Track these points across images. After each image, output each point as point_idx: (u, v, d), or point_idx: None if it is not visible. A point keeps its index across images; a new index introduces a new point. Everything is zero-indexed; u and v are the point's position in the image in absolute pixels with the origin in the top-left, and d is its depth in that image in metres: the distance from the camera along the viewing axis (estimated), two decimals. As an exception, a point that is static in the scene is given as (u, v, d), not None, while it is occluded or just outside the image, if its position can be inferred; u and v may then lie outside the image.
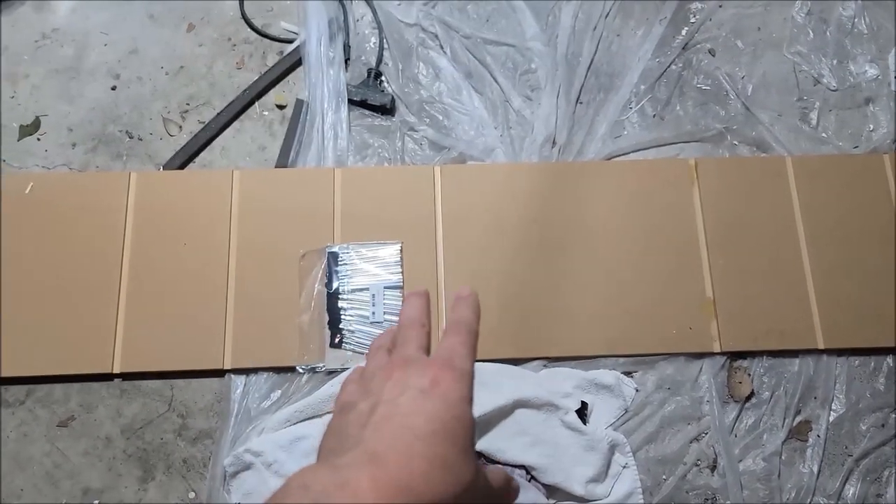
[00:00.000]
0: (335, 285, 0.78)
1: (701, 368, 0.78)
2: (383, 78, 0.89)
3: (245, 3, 0.92)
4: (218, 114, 0.87)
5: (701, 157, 0.86)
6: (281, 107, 0.88)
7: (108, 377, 0.76)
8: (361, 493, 0.26)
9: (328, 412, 0.73)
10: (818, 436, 0.76)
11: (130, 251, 0.79)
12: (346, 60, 0.89)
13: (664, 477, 0.75)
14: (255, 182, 0.82)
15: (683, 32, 0.93)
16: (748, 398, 0.77)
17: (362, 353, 0.76)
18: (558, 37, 0.91)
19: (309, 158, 0.84)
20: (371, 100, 0.86)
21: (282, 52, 0.91)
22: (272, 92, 0.89)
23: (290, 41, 0.91)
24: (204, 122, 0.87)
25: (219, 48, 0.91)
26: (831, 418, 0.77)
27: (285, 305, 0.78)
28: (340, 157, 0.84)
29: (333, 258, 0.79)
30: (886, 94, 0.91)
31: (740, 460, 0.76)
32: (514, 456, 0.70)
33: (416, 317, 0.37)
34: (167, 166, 0.84)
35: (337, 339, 0.77)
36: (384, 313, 0.78)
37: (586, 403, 0.74)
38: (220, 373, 0.76)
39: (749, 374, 0.78)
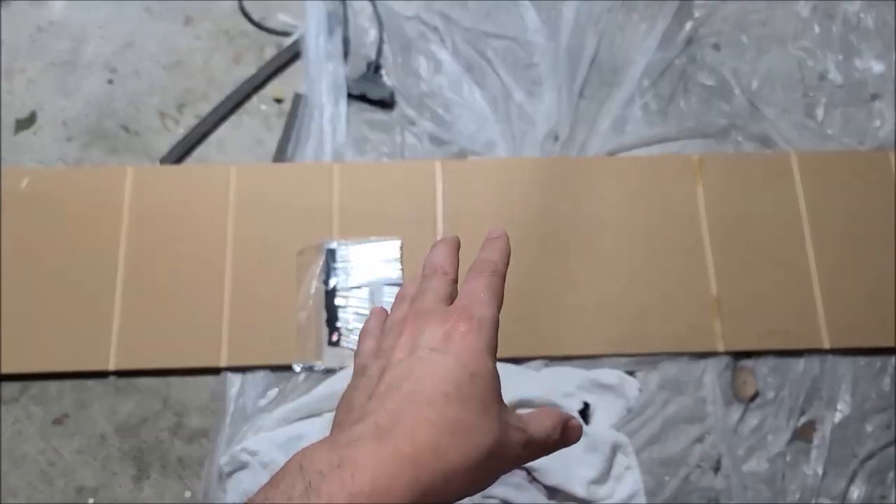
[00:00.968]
0: (333, 282, 0.77)
1: (704, 368, 0.77)
2: (383, 71, 0.88)
3: (243, -5, 0.91)
4: (215, 108, 0.86)
5: (705, 153, 0.85)
6: (279, 101, 0.87)
7: (103, 374, 0.75)
8: (359, 473, 0.24)
9: (326, 411, 0.72)
10: (823, 437, 0.75)
11: (126, 247, 0.78)
12: (345, 54, 0.88)
13: (667, 478, 0.74)
14: (253, 177, 0.81)
15: (687, 27, 0.92)
16: (752, 398, 0.76)
17: (361, 351, 0.75)
18: (560, 30, 0.90)
19: (307, 153, 0.83)
20: (370, 94, 0.85)
21: (280, 46, 0.89)
22: (270, 86, 0.88)
23: (289, 34, 0.89)
24: (201, 117, 0.86)
25: (216, 42, 0.90)
26: (836, 419, 0.76)
27: (282, 303, 0.77)
28: (339, 151, 0.83)
29: (331, 255, 0.78)
30: (892, 90, 0.90)
31: (744, 462, 0.74)
32: (515, 456, 0.69)
33: (440, 264, 0.34)
34: (164, 161, 0.83)
35: (335, 337, 0.76)
36: (383, 311, 0.76)
37: (588, 403, 0.73)
38: (216, 371, 0.75)
39: (753, 374, 0.77)
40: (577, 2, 0.91)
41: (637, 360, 0.77)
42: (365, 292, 0.77)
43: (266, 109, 0.87)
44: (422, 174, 0.82)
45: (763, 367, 0.78)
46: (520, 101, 0.87)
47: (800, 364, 0.78)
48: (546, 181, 0.82)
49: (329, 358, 0.75)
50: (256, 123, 0.86)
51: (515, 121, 0.87)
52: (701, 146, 0.87)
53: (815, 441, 0.75)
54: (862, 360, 0.78)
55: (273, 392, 0.75)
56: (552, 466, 0.69)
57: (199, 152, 0.85)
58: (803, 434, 0.76)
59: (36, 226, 0.78)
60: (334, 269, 0.77)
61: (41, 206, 0.79)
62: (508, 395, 0.70)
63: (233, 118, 0.86)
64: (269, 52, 0.89)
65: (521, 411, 0.31)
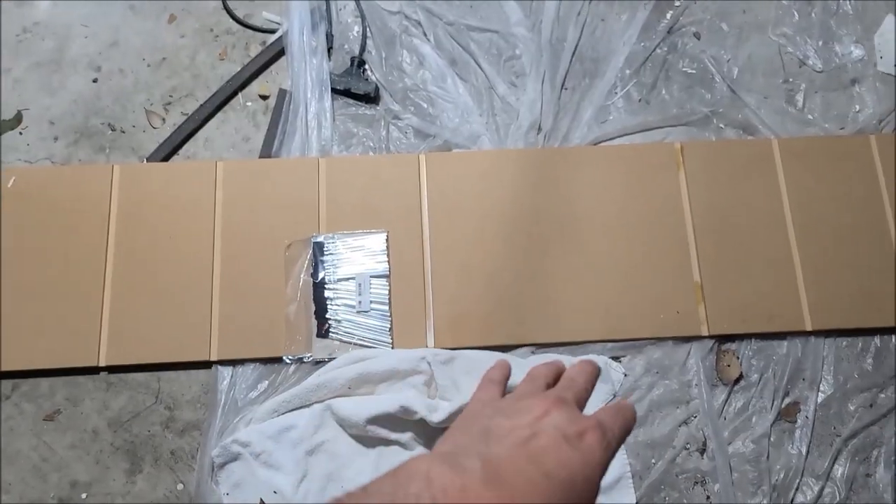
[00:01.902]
0: (321, 275, 0.78)
1: (689, 352, 0.78)
2: (367, 66, 0.89)
3: (227, -7, 0.92)
4: (201, 105, 0.86)
5: (687, 141, 0.86)
6: (264, 97, 0.87)
7: (94, 370, 0.76)
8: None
9: (316, 401, 0.73)
10: (807, 417, 0.76)
11: (115, 244, 0.78)
12: (329, 49, 0.88)
13: (654, 461, 0.75)
14: (240, 173, 0.82)
15: (668, 16, 0.92)
16: (737, 381, 0.77)
17: (349, 343, 0.76)
18: (542, 22, 0.90)
19: (293, 148, 0.84)
20: (355, 88, 0.86)
21: (264, 43, 0.90)
22: (255, 82, 0.88)
23: (273, 31, 0.90)
24: (187, 114, 0.86)
25: (201, 39, 0.90)
26: (819, 399, 0.77)
27: (271, 296, 0.77)
28: (325, 146, 0.84)
29: (319, 248, 0.79)
30: (872, 74, 0.91)
31: (729, 443, 0.76)
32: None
33: (587, 378, 0.38)
34: (151, 158, 0.84)
35: (324, 329, 0.76)
36: (370, 302, 0.77)
37: (574, 388, 0.74)
38: (206, 364, 0.76)
39: (737, 357, 0.78)
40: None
41: (622, 346, 0.78)
42: (352, 284, 0.78)
43: (252, 106, 0.87)
44: (407, 167, 0.82)
45: (747, 349, 0.79)
46: (503, 93, 0.88)
47: (783, 346, 0.79)
48: (530, 172, 0.82)
49: (318, 349, 0.76)
50: (242, 120, 0.87)
51: (499, 113, 0.87)
52: (683, 134, 0.87)
53: (799, 421, 0.77)
54: (844, 341, 0.80)
55: (263, 384, 0.75)
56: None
57: (185, 149, 0.85)
58: (787, 414, 0.77)
59: (24, 225, 0.79)
60: (322, 262, 0.78)
61: (28, 206, 0.79)
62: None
63: (219, 115, 0.87)
64: (254, 49, 0.90)
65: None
